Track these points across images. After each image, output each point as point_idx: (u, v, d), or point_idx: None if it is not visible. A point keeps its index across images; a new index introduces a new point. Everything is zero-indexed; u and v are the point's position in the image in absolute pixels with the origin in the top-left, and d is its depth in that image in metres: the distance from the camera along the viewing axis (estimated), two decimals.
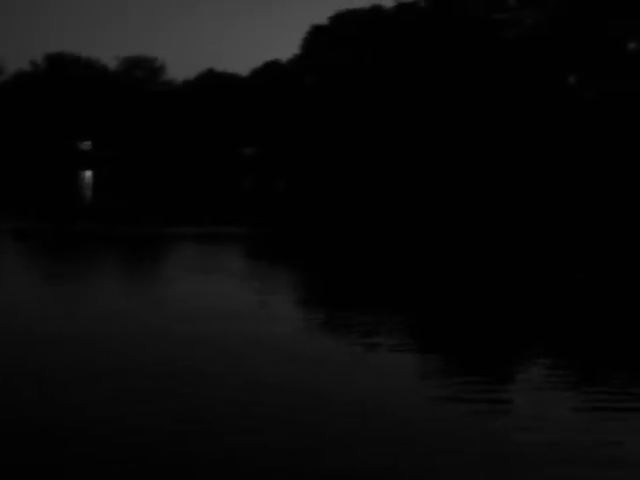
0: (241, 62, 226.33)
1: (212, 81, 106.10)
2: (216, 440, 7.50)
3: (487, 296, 16.44)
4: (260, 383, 9.39)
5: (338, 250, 24.27)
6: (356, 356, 10.87)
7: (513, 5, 77.11)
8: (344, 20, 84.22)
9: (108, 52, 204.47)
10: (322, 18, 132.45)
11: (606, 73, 69.92)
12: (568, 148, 66.33)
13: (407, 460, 7.32)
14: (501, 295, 16.62)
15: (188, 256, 22.57)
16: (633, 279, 19.22)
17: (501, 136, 68.15)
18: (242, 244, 26.07)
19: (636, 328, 13.64)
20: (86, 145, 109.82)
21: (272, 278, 18.53)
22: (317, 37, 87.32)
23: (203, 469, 6.86)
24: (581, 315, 14.78)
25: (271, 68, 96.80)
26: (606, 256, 24.15)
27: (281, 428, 7.87)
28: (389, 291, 17.09)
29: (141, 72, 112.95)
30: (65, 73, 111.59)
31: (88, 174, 73.41)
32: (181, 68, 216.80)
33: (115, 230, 28.34)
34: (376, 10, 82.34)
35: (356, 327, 12.96)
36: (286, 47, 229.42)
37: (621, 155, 65.55)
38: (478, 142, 68.46)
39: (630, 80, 68.78)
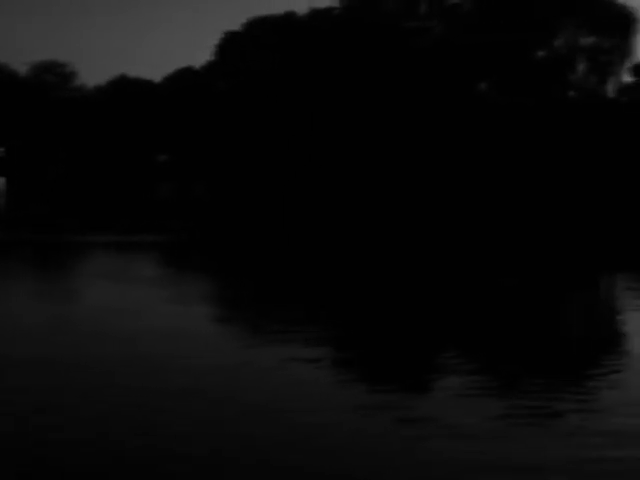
0: (154, 68, 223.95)
1: (124, 87, 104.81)
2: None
3: (412, 303, 16.51)
4: (165, 392, 9.31)
5: (255, 257, 24.13)
6: (272, 365, 10.83)
7: (424, 13, 77.94)
8: (257, 26, 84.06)
9: (18, 58, 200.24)
10: (236, 24, 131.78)
11: (515, 80, 71.16)
12: (479, 154, 67.26)
13: (320, 463, 7.36)
14: (425, 302, 16.71)
15: (101, 264, 22.21)
16: (558, 284, 19.53)
17: (414, 142, 68.74)
18: (159, 252, 25.76)
19: (556, 333, 13.84)
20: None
21: (186, 286, 18.33)
22: (230, 43, 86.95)
23: None
24: (504, 321, 14.95)
25: (184, 74, 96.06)
26: (535, 261, 24.51)
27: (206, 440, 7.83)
28: (306, 299, 17.04)
29: (52, 77, 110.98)
30: None
31: (1, 180, 71.86)
32: (93, 74, 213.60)
33: (28, 238, 27.76)
34: (290, 16, 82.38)
35: (271, 336, 12.87)
36: (200, 53, 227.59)
37: (531, 160, 66.75)
38: (391, 148, 68.94)
39: (538, 88, 70.13)
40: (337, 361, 11.64)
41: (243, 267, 22.27)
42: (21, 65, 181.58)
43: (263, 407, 8.86)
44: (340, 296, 17.25)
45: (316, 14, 78.93)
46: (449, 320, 14.76)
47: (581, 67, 75.95)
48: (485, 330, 13.97)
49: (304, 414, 8.68)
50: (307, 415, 8.66)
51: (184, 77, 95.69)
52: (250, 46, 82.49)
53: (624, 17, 75.92)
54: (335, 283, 19.20)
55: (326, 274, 20.81)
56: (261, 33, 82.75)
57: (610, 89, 76.74)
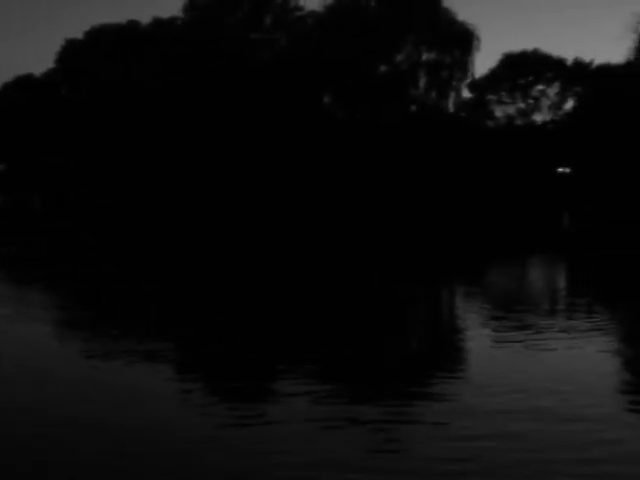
0: None
1: None
2: None
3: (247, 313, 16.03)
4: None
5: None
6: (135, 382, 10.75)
7: (269, 26, 78.03)
8: (99, 34, 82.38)
9: None
10: (78, 32, 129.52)
11: (357, 95, 71.94)
12: (320, 168, 67.64)
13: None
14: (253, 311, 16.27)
15: None
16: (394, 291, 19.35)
17: (255, 154, 68.56)
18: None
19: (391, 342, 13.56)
20: None
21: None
22: (72, 51, 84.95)
23: None
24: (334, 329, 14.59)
25: (24, 81, 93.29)
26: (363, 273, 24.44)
27: None
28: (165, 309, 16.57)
29: None
30: None
31: None
32: None
33: None
34: (132, 25, 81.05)
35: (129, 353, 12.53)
36: (40, 61, 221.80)
37: (372, 174, 67.55)
38: (231, 158, 68.56)
39: (380, 102, 71.09)
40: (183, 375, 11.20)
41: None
42: None
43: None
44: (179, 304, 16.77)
45: (159, 23, 77.89)
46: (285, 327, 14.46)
47: (422, 82, 77.46)
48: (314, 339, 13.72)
49: None
50: None
51: (24, 84, 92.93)
52: (91, 54, 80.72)
53: (464, 34, 77.72)
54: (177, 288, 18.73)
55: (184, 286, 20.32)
56: (103, 41, 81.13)
57: (450, 104, 78.54)
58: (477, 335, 14.40)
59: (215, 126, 69.87)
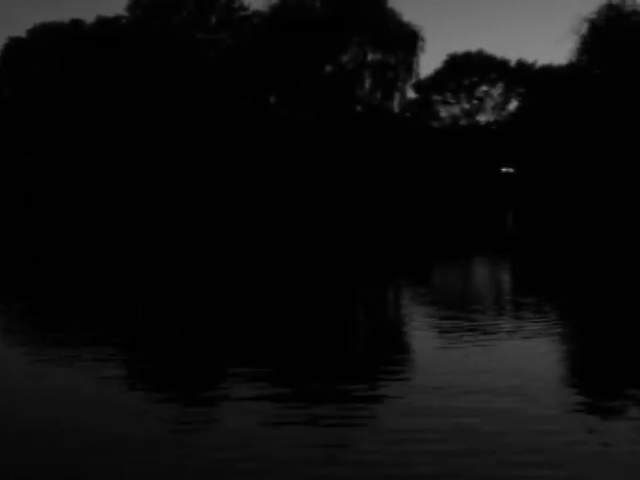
0: None
1: None
2: None
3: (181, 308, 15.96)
4: None
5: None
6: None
7: (214, 26, 77.78)
8: (43, 33, 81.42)
9: None
10: (21, 31, 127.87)
11: (303, 95, 71.99)
12: (269, 167, 67.62)
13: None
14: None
15: None
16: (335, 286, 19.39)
17: (199, 154, 68.33)
18: None
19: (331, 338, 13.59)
20: None
21: None
22: (15, 49, 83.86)
23: None
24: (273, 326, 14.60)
25: None
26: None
27: None
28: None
29: None
30: None
31: None
32: None
33: None
34: (76, 24, 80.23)
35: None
36: None
37: (316, 173, 67.69)
38: (176, 158, 68.25)
39: (326, 102, 71.24)
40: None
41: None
42: None
43: None
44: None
45: (103, 22, 77.22)
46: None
47: (368, 82, 77.74)
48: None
49: None
50: None
51: None
52: (34, 53, 79.78)
53: (410, 35, 78.12)
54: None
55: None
56: (46, 40, 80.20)
57: (395, 104, 78.92)
58: (424, 336, 14.50)
59: (166, 126, 69.49)
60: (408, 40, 77.95)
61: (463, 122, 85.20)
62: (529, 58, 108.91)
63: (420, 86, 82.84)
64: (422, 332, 14.84)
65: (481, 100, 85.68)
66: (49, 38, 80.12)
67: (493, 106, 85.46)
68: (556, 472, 7.76)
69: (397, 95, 78.69)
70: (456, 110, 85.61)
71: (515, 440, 8.62)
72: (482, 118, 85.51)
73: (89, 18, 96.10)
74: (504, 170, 79.31)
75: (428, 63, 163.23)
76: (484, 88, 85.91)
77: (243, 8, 79.09)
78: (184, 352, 13.08)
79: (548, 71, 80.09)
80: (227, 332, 15.01)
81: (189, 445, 8.45)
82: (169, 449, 8.34)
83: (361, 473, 7.74)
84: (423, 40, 78.14)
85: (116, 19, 78.13)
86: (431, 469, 7.82)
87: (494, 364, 12.10)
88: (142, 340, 14.32)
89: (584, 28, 72.62)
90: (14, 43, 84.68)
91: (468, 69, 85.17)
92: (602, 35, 71.18)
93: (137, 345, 13.92)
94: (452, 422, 9.18)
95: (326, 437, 8.75)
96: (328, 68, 76.77)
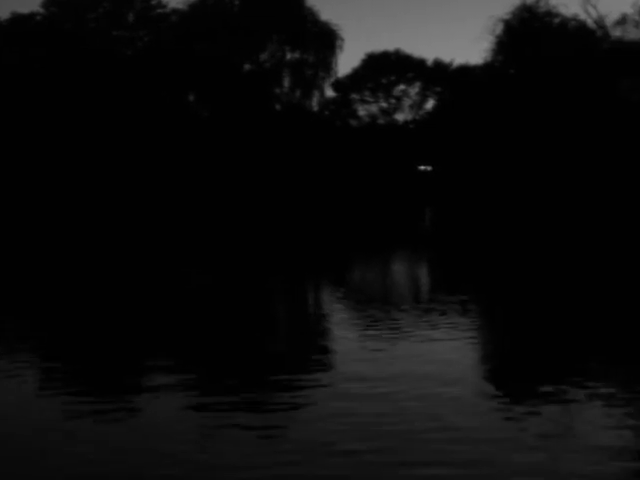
0: None
1: None
2: None
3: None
4: None
5: None
6: None
7: (131, 23, 77.11)
8: None
9: None
10: None
11: (221, 92, 71.80)
12: (187, 165, 67.35)
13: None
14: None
15: None
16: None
17: (122, 151, 67.73)
18: None
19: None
20: None
21: None
22: None
23: None
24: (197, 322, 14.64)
25: None
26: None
27: None
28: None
29: None
30: None
31: None
32: None
33: None
34: None
35: None
36: None
37: (239, 171, 67.63)
38: (101, 156, 67.55)
39: (245, 101, 71.21)
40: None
41: None
42: None
43: None
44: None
45: (18, 19, 75.82)
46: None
47: (287, 81, 77.95)
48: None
49: None
50: None
51: None
52: None
53: (328, 34, 78.49)
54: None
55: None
56: None
57: (314, 103, 79.26)
58: (343, 333, 14.66)
59: (80, 123, 68.63)
60: (326, 39, 78.35)
61: (381, 121, 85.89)
62: (446, 58, 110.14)
63: (339, 85, 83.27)
64: (340, 328, 15.00)
65: (399, 99, 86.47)
66: None
67: (411, 105, 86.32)
68: (474, 447, 8.09)
69: (316, 94, 79.10)
70: (374, 109, 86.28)
71: (433, 419, 8.92)
72: (400, 117, 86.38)
73: (3, 15, 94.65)
74: (422, 168, 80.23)
75: (347, 62, 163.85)
76: (402, 87, 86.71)
77: (161, 5, 78.55)
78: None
79: (464, 70, 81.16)
80: (144, 329, 15.01)
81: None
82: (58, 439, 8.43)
83: (302, 450, 7.98)
84: (341, 39, 78.68)
85: (31, 16, 76.82)
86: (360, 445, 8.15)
87: (412, 354, 12.36)
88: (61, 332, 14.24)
89: (499, 28, 73.80)
90: None
91: (386, 68, 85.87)
92: (516, 36, 72.42)
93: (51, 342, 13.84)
94: (374, 406, 9.43)
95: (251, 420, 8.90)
96: (247, 66, 76.76)
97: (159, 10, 78.40)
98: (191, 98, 76.42)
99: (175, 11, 77.80)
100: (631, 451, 8.07)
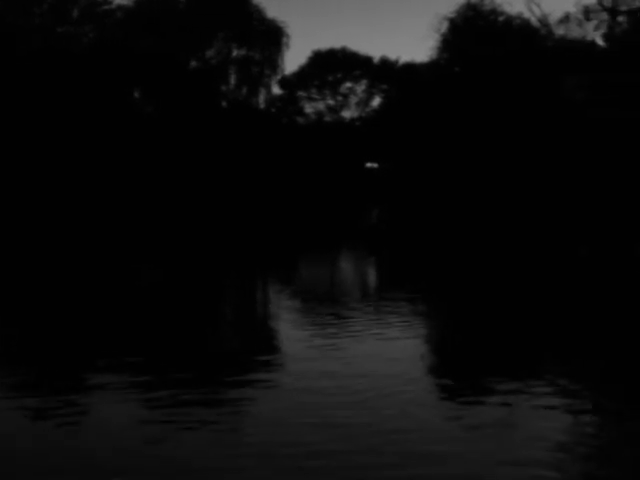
0: None
1: None
2: None
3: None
4: None
5: None
6: None
7: (76, 19, 76.32)
8: None
9: None
10: None
11: (167, 89, 71.43)
12: (132, 163, 66.87)
13: None
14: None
15: None
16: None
17: (65, 148, 67.09)
18: None
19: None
20: None
21: None
22: None
23: None
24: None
25: None
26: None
27: None
28: None
29: None
30: None
31: None
32: None
33: None
34: None
35: None
36: None
37: (182, 169, 67.36)
38: (43, 154, 66.83)
39: (191, 98, 70.93)
40: None
41: None
42: None
43: None
44: None
45: None
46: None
47: (233, 78, 77.70)
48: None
49: None
50: None
51: None
52: None
53: (274, 31, 78.41)
54: None
55: None
56: None
57: (261, 100, 79.15)
58: (291, 328, 14.81)
59: (25, 121, 67.84)
60: (273, 36, 78.26)
61: (328, 118, 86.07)
62: (392, 55, 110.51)
63: (285, 82, 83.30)
64: (289, 325, 15.13)
65: (345, 96, 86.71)
66: None
67: (357, 102, 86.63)
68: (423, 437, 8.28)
69: (262, 91, 78.96)
70: (321, 106, 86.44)
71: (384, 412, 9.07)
72: (347, 114, 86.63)
73: None
74: (369, 165, 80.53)
75: (293, 60, 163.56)
76: (348, 85, 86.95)
77: (106, 2, 77.85)
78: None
79: (410, 68, 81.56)
80: (93, 326, 15.03)
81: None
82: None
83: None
84: (288, 36, 78.60)
85: None
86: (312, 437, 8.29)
87: (358, 352, 12.52)
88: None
89: (444, 27, 74.21)
90: None
91: (332, 66, 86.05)
92: (461, 34, 72.89)
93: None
94: (322, 401, 9.56)
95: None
96: (193, 63, 76.42)
97: (105, 7, 77.68)
98: (136, 95, 75.87)
99: (121, 7, 77.18)
100: (568, 441, 8.31)
